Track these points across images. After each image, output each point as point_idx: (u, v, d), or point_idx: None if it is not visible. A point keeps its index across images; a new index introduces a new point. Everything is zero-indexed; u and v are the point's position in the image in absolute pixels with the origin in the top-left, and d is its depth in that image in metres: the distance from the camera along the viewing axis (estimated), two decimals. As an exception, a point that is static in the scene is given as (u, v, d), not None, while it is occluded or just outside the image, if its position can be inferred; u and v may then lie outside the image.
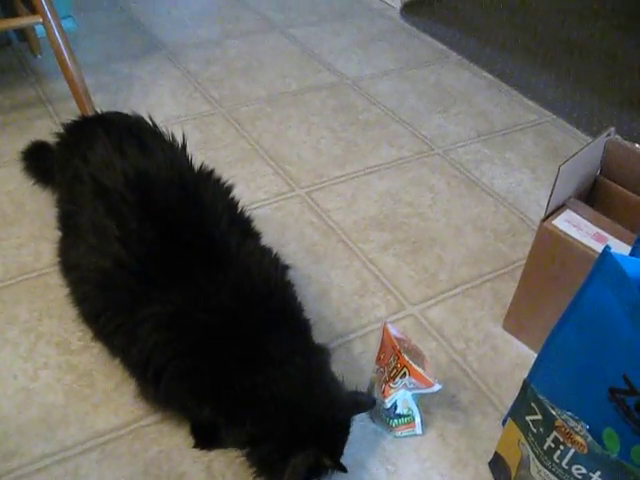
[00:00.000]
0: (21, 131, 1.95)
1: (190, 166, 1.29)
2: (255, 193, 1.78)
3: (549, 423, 1.04)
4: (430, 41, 2.70)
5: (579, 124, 2.23)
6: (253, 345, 1.09)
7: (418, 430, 1.27)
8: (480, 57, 2.60)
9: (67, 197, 1.31)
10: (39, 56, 2.35)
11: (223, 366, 1.07)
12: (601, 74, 2.57)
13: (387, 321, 1.31)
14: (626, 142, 1.40)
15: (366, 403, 1.17)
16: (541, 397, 1.05)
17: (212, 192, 1.25)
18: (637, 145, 1.40)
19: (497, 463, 1.22)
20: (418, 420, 1.27)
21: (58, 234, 1.32)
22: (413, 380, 1.21)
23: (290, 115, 2.15)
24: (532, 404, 1.07)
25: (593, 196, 1.46)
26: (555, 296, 1.19)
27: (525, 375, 1.15)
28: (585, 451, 1.01)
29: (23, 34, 2.38)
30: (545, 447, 1.07)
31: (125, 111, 1.47)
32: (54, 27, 1.82)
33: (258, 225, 1.29)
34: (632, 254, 1.13)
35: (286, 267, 1.23)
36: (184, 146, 1.33)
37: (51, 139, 1.48)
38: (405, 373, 1.21)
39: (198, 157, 1.33)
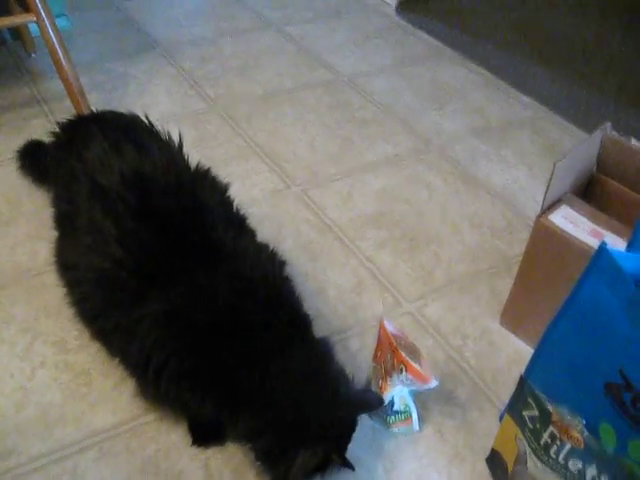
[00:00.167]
0: (16, 131, 1.94)
1: (186, 165, 1.29)
2: (251, 191, 1.78)
3: (545, 418, 1.04)
4: (426, 38, 2.70)
5: (576, 120, 2.23)
6: (254, 340, 1.09)
7: (415, 426, 1.27)
8: (476, 53, 2.60)
9: (63, 197, 1.31)
10: (33, 55, 2.35)
11: (224, 362, 1.07)
12: (597, 70, 2.57)
13: (384, 318, 1.31)
14: (622, 138, 1.40)
15: (374, 402, 1.17)
16: (538, 392, 1.05)
17: (208, 191, 1.25)
18: (634, 140, 1.40)
19: (494, 459, 1.22)
20: (415, 416, 1.27)
21: (54, 234, 1.31)
22: (410, 376, 1.21)
23: (285, 113, 2.15)
24: (529, 399, 1.07)
25: (589, 192, 1.46)
26: (552, 292, 1.19)
27: (522, 371, 1.15)
28: (581, 446, 1.01)
29: (17, 33, 2.37)
30: (542, 442, 1.07)
31: (120, 110, 1.47)
32: (48, 26, 1.81)
33: (254, 223, 1.28)
34: (628, 250, 1.13)
35: (283, 263, 1.23)
36: (180, 145, 1.33)
37: (46, 138, 1.48)
38: (402, 370, 1.21)
39: (194, 155, 1.33)
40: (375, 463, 1.23)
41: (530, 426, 1.08)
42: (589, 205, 1.34)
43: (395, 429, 1.27)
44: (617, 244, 1.24)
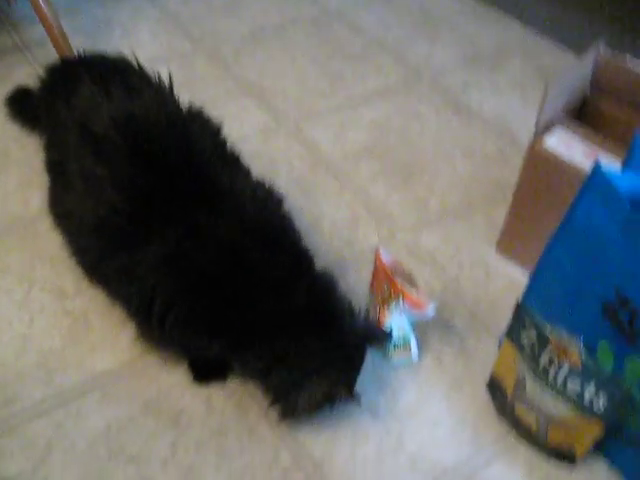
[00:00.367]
0: (0, 79, 1.91)
1: (178, 106, 1.26)
2: (242, 129, 1.76)
3: (543, 340, 1.05)
4: (413, -33, 2.64)
5: (569, 44, 2.19)
6: (257, 277, 1.09)
7: (414, 356, 1.28)
8: (464, -19, 2.54)
9: (54, 144, 1.30)
10: (13, 3, 2.29)
11: (229, 302, 1.07)
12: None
13: (379, 247, 1.31)
14: (617, 56, 1.37)
15: (380, 336, 1.19)
16: (535, 316, 1.05)
17: (201, 131, 1.23)
18: (629, 58, 1.37)
19: (494, 384, 1.23)
20: (414, 346, 1.27)
21: (46, 180, 1.30)
22: (407, 305, 1.21)
23: (273, 50, 2.12)
24: (526, 323, 1.07)
25: (583, 115, 1.44)
26: (547, 217, 1.18)
27: (519, 297, 1.15)
28: (579, 367, 1.02)
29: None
30: (540, 364, 1.08)
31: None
32: (26, -30, 1.77)
33: (247, 161, 1.27)
34: (623, 170, 1.12)
35: (281, 199, 1.21)
36: (170, 86, 1.30)
37: (33, 85, 1.45)
38: (399, 298, 1.21)
39: (182, 96, 1.30)
40: (376, 393, 1.24)
41: (528, 350, 1.09)
42: (583, 127, 1.32)
43: (394, 359, 1.28)
44: (612, 164, 1.23)
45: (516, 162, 1.65)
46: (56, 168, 1.27)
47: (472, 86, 1.99)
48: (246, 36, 2.18)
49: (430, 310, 1.22)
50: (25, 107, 1.59)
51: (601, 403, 1.04)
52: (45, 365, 1.26)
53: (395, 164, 1.70)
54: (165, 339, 1.15)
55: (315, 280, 1.14)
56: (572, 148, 1.28)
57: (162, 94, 1.28)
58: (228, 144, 1.26)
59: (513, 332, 1.12)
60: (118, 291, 1.19)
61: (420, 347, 1.29)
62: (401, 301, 1.21)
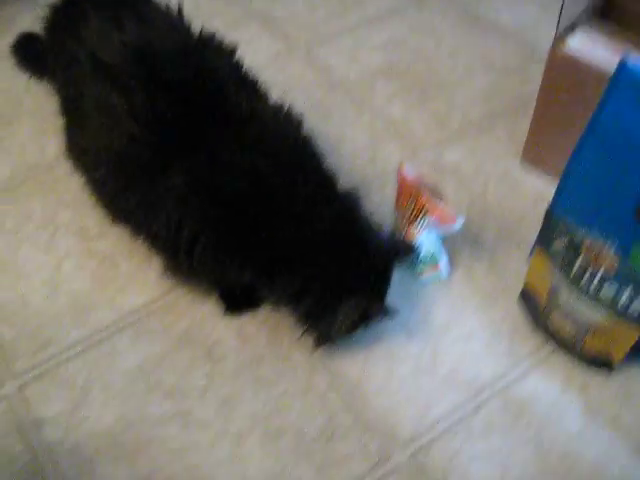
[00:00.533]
0: (4, 27, 1.87)
1: (190, 32, 1.23)
2: (255, 58, 1.70)
3: (576, 246, 1.03)
4: None
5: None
6: (283, 201, 1.07)
7: (444, 272, 1.27)
8: None
9: (66, 81, 1.27)
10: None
11: (256, 228, 1.06)
12: None
13: (402, 163, 1.28)
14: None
15: (407, 248, 1.16)
16: (566, 222, 1.03)
17: (216, 55, 1.20)
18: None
19: (526, 295, 1.22)
20: (443, 262, 1.26)
21: (61, 124, 1.28)
22: (434, 219, 1.19)
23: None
24: (557, 230, 1.05)
25: (607, 14, 1.38)
26: (572, 123, 1.15)
27: (547, 206, 1.13)
28: (614, 270, 1.00)
29: None
30: (574, 271, 1.06)
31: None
32: None
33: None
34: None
35: (301, 121, 1.19)
36: (180, 12, 1.27)
37: (37, 31, 1.42)
38: (425, 213, 1.19)
39: (192, 25, 1.27)
40: (409, 312, 1.24)
41: (561, 257, 1.07)
42: (608, 26, 1.27)
43: (424, 277, 1.27)
44: (640, 62, 1.19)
45: (537, 72, 1.60)
46: (71, 106, 1.25)
47: (488, -4, 1.93)
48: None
49: (458, 223, 1.20)
50: (32, 54, 1.56)
51: (637, 307, 1.02)
52: (76, 307, 1.26)
53: (413, 82, 1.65)
54: (194, 271, 1.14)
55: (340, 201, 1.12)
56: (596, 49, 1.24)
57: (173, 21, 1.25)
58: (244, 68, 1.23)
59: (544, 241, 1.10)
60: (142, 226, 1.17)
61: (450, 263, 1.28)
62: (428, 216, 1.19)
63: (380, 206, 1.37)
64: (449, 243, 1.29)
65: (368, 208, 1.15)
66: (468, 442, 1.11)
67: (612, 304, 1.04)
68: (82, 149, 1.21)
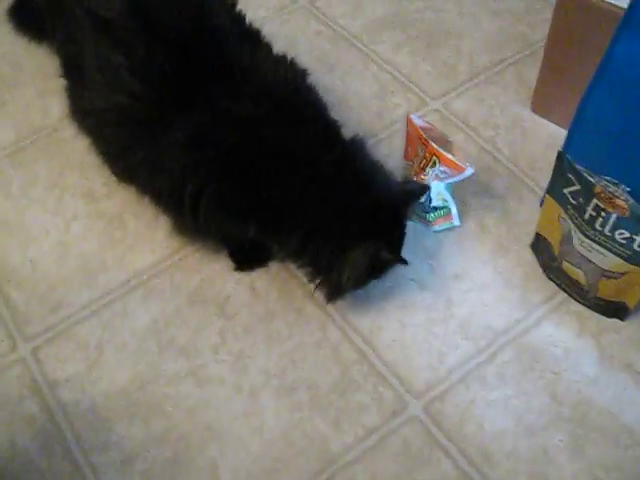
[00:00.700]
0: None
1: None
2: (257, 11, 1.69)
3: (588, 191, 1.01)
4: None
5: None
6: (286, 152, 1.06)
7: (456, 221, 1.26)
8: None
9: (66, 41, 1.25)
10: None
11: (260, 177, 1.05)
12: None
13: (410, 113, 1.26)
14: None
15: (418, 189, 1.14)
16: (578, 166, 1.01)
17: (216, 7, 1.18)
18: None
19: (539, 243, 1.21)
20: (454, 211, 1.25)
21: (64, 85, 1.27)
22: (444, 167, 1.18)
23: None
24: (569, 175, 1.03)
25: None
26: (582, 67, 1.13)
27: (558, 152, 1.12)
28: (627, 214, 0.99)
29: None
30: (586, 217, 1.04)
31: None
32: None
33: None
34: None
35: (305, 71, 1.17)
36: None
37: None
38: (435, 162, 1.18)
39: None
40: (421, 263, 1.23)
41: (573, 202, 1.06)
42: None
43: (436, 227, 1.26)
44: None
45: (545, 16, 1.57)
46: (71, 65, 1.23)
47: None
48: None
49: (468, 171, 1.18)
50: (29, 17, 1.53)
51: (652, 250, 1.01)
52: (86, 268, 1.26)
53: (418, 31, 1.62)
54: (200, 227, 1.13)
55: (344, 148, 1.10)
56: (606, -12, 1.21)
57: None
58: (247, 19, 1.21)
59: (556, 187, 1.08)
60: (147, 184, 1.17)
61: (461, 213, 1.27)
62: (437, 164, 1.17)
63: (389, 156, 1.35)
64: (460, 192, 1.28)
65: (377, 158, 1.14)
66: (482, 391, 1.11)
67: (626, 248, 1.03)
68: (85, 109, 1.20)
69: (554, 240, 1.16)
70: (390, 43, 1.60)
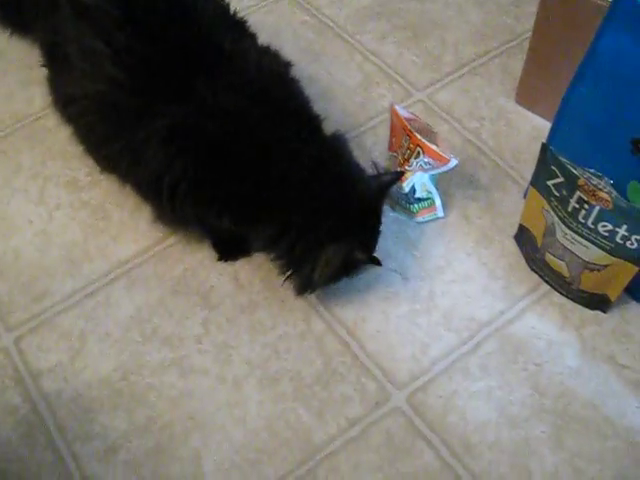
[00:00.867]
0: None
1: None
2: (242, 1, 1.69)
3: (572, 183, 1.02)
4: None
5: None
6: (263, 145, 1.05)
7: (439, 213, 1.26)
8: None
9: (48, 29, 1.24)
10: None
11: (235, 171, 1.05)
12: None
13: (394, 103, 1.26)
14: None
15: (390, 179, 1.13)
16: (561, 159, 1.02)
17: None
18: None
19: (522, 235, 1.21)
20: (438, 202, 1.25)
21: (46, 74, 1.25)
22: (428, 158, 1.18)
23: None
24: (552, 167, 1.04)
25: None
26: (567, 59, 1.13)
27: (543, 144, 1.12)
28: (610, 207, 0.99)
29: None
30: (569, 209, 1.05)
31: None
32: None
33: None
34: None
35: (288, 63, 1.16)
36: None
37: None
38: (419, 153, 1.18)
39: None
40: (404, 254, 1.24)
41: (556, 194, 1.06)
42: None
43: (420, 218, 1.26)
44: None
45: (531, 9, 1.57)
46: (53, 53, 1.22)
47: None
48: None
49: (452, 163, 1.18)
50: (11, 5, 1.51)
51: (635, 242, 1.02)
52: (69, 258, 1.26)
53: (404, 21, 1.62)
54: (179, 217, 1.14)
55: (324, 144, 1.10)
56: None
57: None
58: (232, 9, 1.20)
59: (539, 179, 1.09)
60: (128, 174, 1.16)
61: (445, 204, 1.27)
62: (421, 155, 1.17)
63: (373, 148, 1.36)
64: (444, 183, 1.28)
65: (361, 150, 1.14)
66: (465, 382, 1.11)
67: (609, 240, 1.04)
68: (67, 97, 1.19)
69: (537, 232, 1.16)
70: (375, 33, 1.59)
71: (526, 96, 1.42)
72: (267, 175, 1.04)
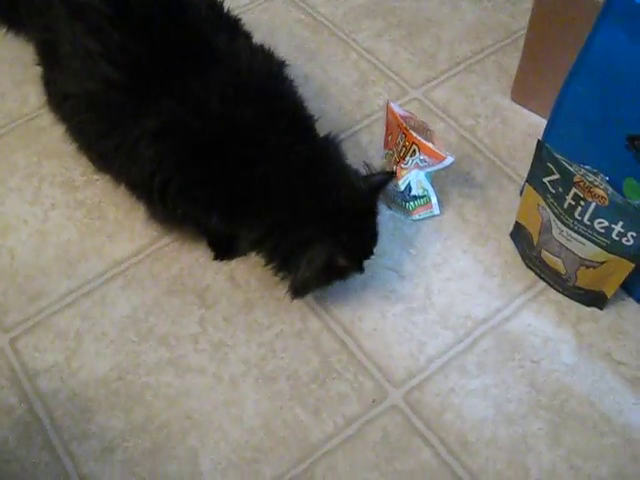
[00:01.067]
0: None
1: None
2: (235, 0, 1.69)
3: (567, 180, 1.02)
4: None
5: None
6: (253, 144, 1.05)
7: (435, 210, 1.26)
8: None
9: (42, 27, 1.24)
10: None
11: (225, 170, 1.04)
12: None
13: (390, 101, 1.26)
14: None
15: (381, 181, 1.12)
16: (557, 155, 1.02)
17: None
18: None
19: (518, 232, 1.21)
20: (434, 200, 1.25)
21: (40, 73, 1.25)
22: (424, 156, 1.18)
23: None
24: (548, 164, 1.04)
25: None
26: (562, 57, 1.13)
27: (539, 142, 1.12)
28: (606, 203, 0.99)
29: None
30: (565, 206, 1.05)
31: None
32: None
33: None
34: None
35: (282, 62, 1.16)
36: None
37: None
38: (415, 150, 1.18)
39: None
40: (400, 252, 1.24)
41: (552, 191, 1.06)
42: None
43: (416, 215, 1.26)
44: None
45: (526, 5, 1.58)
46: (47, 51, 1.21)
47: None
48: None
49: (448, 160, 1.18)
50: (4, 6, 1.51)
51: (631, 239, 1.02)
52: (65, 258, 1.25)
53: (399, 19, 1.62)
54: (170, 216, 1.14)
55: (316, 145, 1.10)
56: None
57: None
58: (226, 7, 1.20)
59: (535, 176, 1.09)
60: (121, 173, 1.16)
61: (441, 202, 1.27)
62: (417, 153, 1.17)
63: (369, 146, 1.36)
64: (440, 181, 1.28)
65: (357, 149, 1.13)
66: (462, 380, 1.11)
67: (605, 237, 1.04)
68: (61, 96, 1.19)
69: (533, 229, 1.16)
70: (371, 31, 1.59)
71: (521, 93, 1.43)
72: (253, 175, 1.04)
